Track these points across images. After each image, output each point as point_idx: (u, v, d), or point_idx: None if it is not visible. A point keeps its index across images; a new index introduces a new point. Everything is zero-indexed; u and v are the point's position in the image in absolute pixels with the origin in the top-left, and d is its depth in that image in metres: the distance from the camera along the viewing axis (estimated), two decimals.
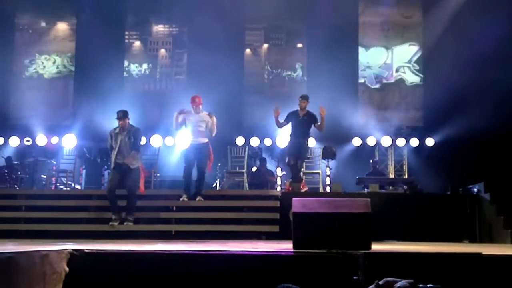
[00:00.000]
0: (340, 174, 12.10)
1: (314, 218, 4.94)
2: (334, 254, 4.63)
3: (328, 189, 11.07)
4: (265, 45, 15.69)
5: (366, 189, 10.76)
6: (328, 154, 11.54)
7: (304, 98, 9.72)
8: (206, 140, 9.06)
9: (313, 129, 9.76)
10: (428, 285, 1.01)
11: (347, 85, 14.16)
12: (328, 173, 11.41)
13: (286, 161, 9.73)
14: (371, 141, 13.80)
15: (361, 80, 15.01)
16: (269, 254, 4.80)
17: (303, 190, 9.49)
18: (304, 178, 10.28)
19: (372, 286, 1.02)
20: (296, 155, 9.56)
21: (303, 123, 9.62)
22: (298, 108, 9.72)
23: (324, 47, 14.15)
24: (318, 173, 11.20)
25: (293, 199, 5.11)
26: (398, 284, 1.04)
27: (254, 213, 8.95)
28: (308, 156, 11.58)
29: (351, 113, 14.24)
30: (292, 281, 3.98)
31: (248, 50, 15.59)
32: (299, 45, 15.60)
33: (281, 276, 4.26)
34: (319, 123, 9.58)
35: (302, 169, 10.00)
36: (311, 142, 12.99)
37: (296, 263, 4.61)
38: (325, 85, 13.59)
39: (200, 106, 9.14)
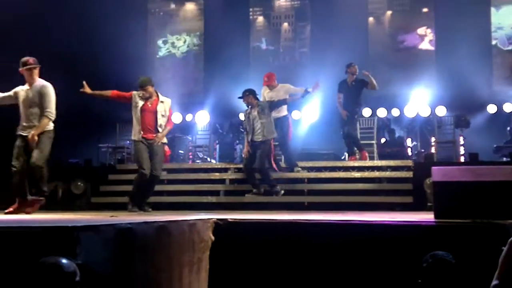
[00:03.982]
0: (475, 143, 11.54)
1: (456, 187, 4.77)
2: (480, 224, 4.47)
3: (462, 159, 10.65)
4: (389, 12, 15.24)
5: (504, 158, 10.22)
6: (461, 123, 11.11)
7: (351, 65, 9.70)
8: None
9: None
10: None
11: (479, 48, 13.42)
12: (462, 142, 10.97)
13: (341, 132, 9.72)
14: (507, 108, 13.00)
15: (493, 42, 14.14)
16: (410, 224, 4.72)
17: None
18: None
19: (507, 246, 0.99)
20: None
21: (352, 90, 9.58)
22: (347, 77, 9.70)
23: (453, 9, 13.47)
24: (452, 142, 10.80)
25: (433, 168, 4.96)
26: None
27: (385, 184, 8.85)
28: (431, 127, 11.21)
29: (484, 78, 13.49)
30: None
31: (371, 18, 15.23)
32: (425, 10, 14.97)
33: (424, 246, 4.19)
34: (369, 85, 9.53)
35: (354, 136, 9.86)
36: (441, 111, 12.54)
37: (439, 234, 4.50)
38: (455, 50, 13.00)
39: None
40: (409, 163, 9.11)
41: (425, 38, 14.87)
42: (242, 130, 9.58)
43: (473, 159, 9.20)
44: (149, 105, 7.45)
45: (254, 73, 14.34)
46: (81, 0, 12.97)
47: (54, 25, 12.15)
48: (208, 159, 11.55)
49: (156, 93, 7.57)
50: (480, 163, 8.74)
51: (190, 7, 15.89)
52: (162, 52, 15.83)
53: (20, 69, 6.63)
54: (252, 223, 5.13)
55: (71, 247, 3.21)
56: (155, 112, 7.45)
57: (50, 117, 6.58)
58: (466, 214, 4.63)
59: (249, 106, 8.71)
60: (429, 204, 7.61)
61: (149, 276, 3.99)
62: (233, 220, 5.08)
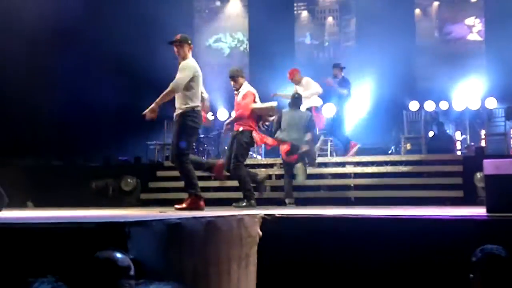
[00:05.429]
0: None
1: (509, 180, 4.65)
2: None
3: None
4: (436, 3, 14.95)
5: None
6: None
7: (335, 66, 10.07)
8: None
9: None
10: None
11: None
12: None
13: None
14: None
15: None
16: (462, 218, 4.63)
17: (355, 149, 9.42)
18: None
19: None
20: None
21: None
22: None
23: None
24: (503, 134, 10.51)
25: (484, 161, 4.85)
26: None
27: (435, 178, 8.69)
28: (481, 120, 10.98)
29: None
30: None
31: (417, 10, 14.97)
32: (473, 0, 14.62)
33: (476, 241, 4.10)
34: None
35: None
36: (491, 103, 12.19)
37: (492, 228, 4.41)
38: (506, 39, 12.62)
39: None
40: (459, 157, 8.92)
41: (473, 29, 14.53)
42: None
43: None
44: (238, 98, 7.36)
45: (299, 68, 14.28)
46: (129, 2, 13.14)
47: (109, 26, 12.37)
48: (254, 155, 11.57)
49: (247, 85, 7.37)
50: None
51: (235, 4, 15.99)
52: (208, 49, 15.96)
53: None
54: (299, 218, 5.13)
55: (122, 242, 3.28)
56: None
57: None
58: None
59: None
60: (479, 198, 7.45)
61: (198, 270, 4.03)
62: (280, 215, 5.09)
